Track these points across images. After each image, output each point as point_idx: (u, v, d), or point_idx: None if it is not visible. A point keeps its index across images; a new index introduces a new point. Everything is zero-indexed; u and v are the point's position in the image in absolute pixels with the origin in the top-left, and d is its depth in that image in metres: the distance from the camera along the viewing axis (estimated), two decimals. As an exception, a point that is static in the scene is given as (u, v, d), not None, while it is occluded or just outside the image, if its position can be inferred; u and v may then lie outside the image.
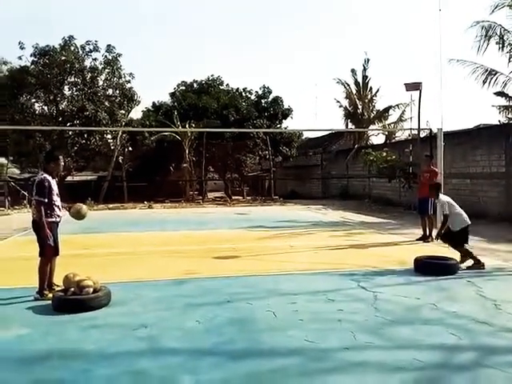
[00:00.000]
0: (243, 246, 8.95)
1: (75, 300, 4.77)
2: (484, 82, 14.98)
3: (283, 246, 9.11)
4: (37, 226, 5.23)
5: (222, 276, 6.38)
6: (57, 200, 5.34)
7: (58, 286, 5.31)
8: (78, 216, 5.62)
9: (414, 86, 15.38)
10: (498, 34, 14.26)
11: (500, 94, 15.35)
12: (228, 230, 11.93)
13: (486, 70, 14.97)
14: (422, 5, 69.26)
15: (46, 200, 5.16)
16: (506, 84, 14.88)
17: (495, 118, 21.77)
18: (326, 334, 4.05)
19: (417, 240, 9.63)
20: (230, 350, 3.76)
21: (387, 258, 7.55)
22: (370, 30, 68.39)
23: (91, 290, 4.87)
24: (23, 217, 15.01)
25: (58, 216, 5.35)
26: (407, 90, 15.85)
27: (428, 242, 9.40)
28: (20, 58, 22.92)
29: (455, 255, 6.84)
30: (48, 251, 5.21)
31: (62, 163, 5.67)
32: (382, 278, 6.21)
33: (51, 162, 5.41)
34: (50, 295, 5.07)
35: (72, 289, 4.90)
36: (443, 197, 7.00)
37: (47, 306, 4.89)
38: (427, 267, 6.34)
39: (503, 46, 14.27)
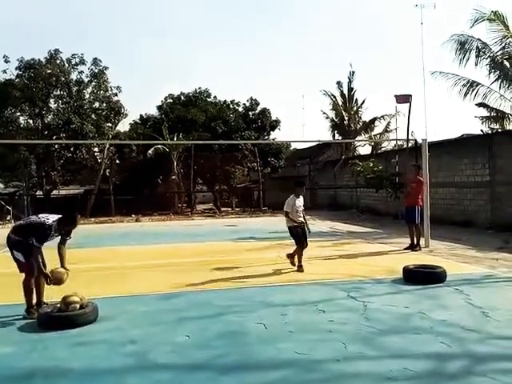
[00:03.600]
0: (233, 258, 8.90)
1: (61, 316, 4.67)
2: (466, 94, 15.34)
3: (273, 257, 9.08)
4: (12, 243, 5.12)
5: (211, 289, 6.34)
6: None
7: (46, 303, 5.19)
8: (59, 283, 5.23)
9: (405, 98, 15.61)
10: (475, 47, 14.66)
11: (481, 104, 15.71)
12: (217, 242, 11.86)
13: (468, 82, 15.33)
14: (405, 18, 70.81)
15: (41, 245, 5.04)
16: (486, 95, 15.24)
17: (478, 128, 22.29)
18: (316, 345, 4.03)
19: (405, 249, 9.70)
20: (220, 364, 3.72)
21: (376, 268, 7.58)
22: (356, 43, 69.64)
23: (78, 305, 4.78)
24: (7, 232, 14.74)
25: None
26: (398, 102, 16.07)
27: (416, 250, 9.49)
28: (5, 71, 22.78)
29: (440, 263, 6.90)
30: (29, 269, 5.02)
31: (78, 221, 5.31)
32: (372, 287, 6.23)
33: (71, 225, 5.15)
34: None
35: (58, 305, 4.81)
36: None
37: (33, 323, 4.78)
38: (416, 276, 6.38)
39: (478, 60, 14.68)
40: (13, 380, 3.49)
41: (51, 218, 5.07)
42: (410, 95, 15.38)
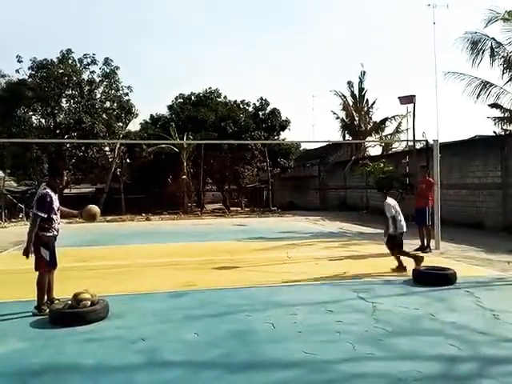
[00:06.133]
0: (242, 258, 8.92)
1: (72, 313, 4.73)
2: (479, 94, 15.14)
3: (282, 257, 9.08)
4: (34, 238, 5.19)
5: (220, 288, 6.36)
6: (56, 214, 5.28)
7: (58, 300, 5.27)
8: (92, 218, 5.59)
9: (408, 99, 15.53)
10: (489, 47, 14.48)
11: (494, 105, 15.51)
12: (226, 242, 11.89)
13: (481, 82, 15.14)
14: (418, 17, 70.33)
15: (45, 215, 5.10)
16: (499, 96, 15.04)
17: (491, 129, 22.02)
18: (325, 346, 4.03)
19: (415, 250, 9.62)
20: (229, 362, 3.73)
21: (386, 269, 7.54)
22: (367, 42, 69.30)
23: (89, 302, 4.83)
24: (20, 230, 14.95)
25: (56, 230, 5.31)
26: (401, 103, 16.01)
27: (426, 252, 9.41)
28: (17, 71, 23.09)
29: (450, 265, 6.85)
30: (42, 265, 5.13)
31: (66, 177, 5.63)
32: (381, 288, 6.20)
33: (57, 177, 5.37)
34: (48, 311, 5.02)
35: (69, 302, 4.87)
36: (390, 200, 7.42)
37: (45, 319, 4.84)
38: (426, 277, 6.33)
39: (493, 59, 14.49)
40: (25, 376, 3.54)
41: (42, 189, 5.21)
42: (414, 96, 15.29)
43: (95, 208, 5.60)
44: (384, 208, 7.34)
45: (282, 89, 69.44)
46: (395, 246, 7.28)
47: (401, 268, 7.21)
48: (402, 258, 7.27)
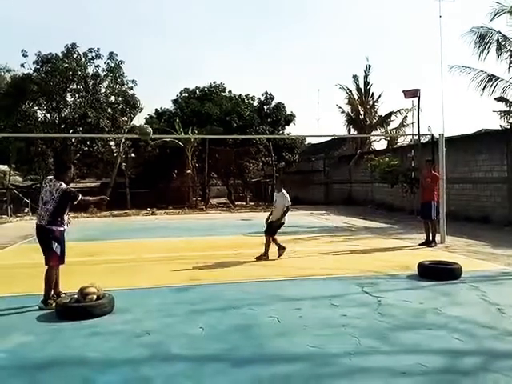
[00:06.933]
0: (247, 252, 8.93)
1: (78, 307, 4.77)
2: (484, 88, 15.00)
3: (286, 251, 9.07)
4: (41, 230, 5.24)
5: (225, 282, 6.38)
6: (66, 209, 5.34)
7: (64, 294, 5.32)
8: (146, 135, 5.63)
9: (413, 93, 15.43)
10: (495, 40, 14.32)
11: (500, 99, 15.37)
12: (231, 236, 11.92)
13: (487, 76, 15.00)
14: (423, 11, 69.62)
15: (79, 197, 5.26)
16: (505, 90, 14.90)
17: (496, 123, 21.77)
18: (330, 340, 4.04)
19: (420, 245, 9.61)
20: (234, 356, 3.75)
21: (391, 263, 7.54)
22: (372, 36, 68.75)
23: (94, 297, 4.87)
24: (26, 224, 15.08)
25: (66, 224, 5.36)
26: (406, 97, 15.91)
27: (431, 246, 9.39)
28: (23, 65, 23.10)
29: (455, 259, 6.82)
30: (53, 259, 5.20)
31: (73, 171, 5.69)
32: (386, 283, 6.20)
33: (68, 172, 5.45)
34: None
35: (75, 296, 4.91)
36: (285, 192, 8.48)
37: (51, 313, 4.89)
38: (431, 272, 6.32)
39: (500, 53, 14.34)
40: (31, 369, 3.58)
41: (57, 183, 5.21)
42: (418, 89, 15.16)
43: (149, 128, 5.68)
44: (279, 198, 8.64)
45: (287, 83, 69.18)
46: (274, 232, 8.33)
47: (281, 248, 8.22)
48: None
